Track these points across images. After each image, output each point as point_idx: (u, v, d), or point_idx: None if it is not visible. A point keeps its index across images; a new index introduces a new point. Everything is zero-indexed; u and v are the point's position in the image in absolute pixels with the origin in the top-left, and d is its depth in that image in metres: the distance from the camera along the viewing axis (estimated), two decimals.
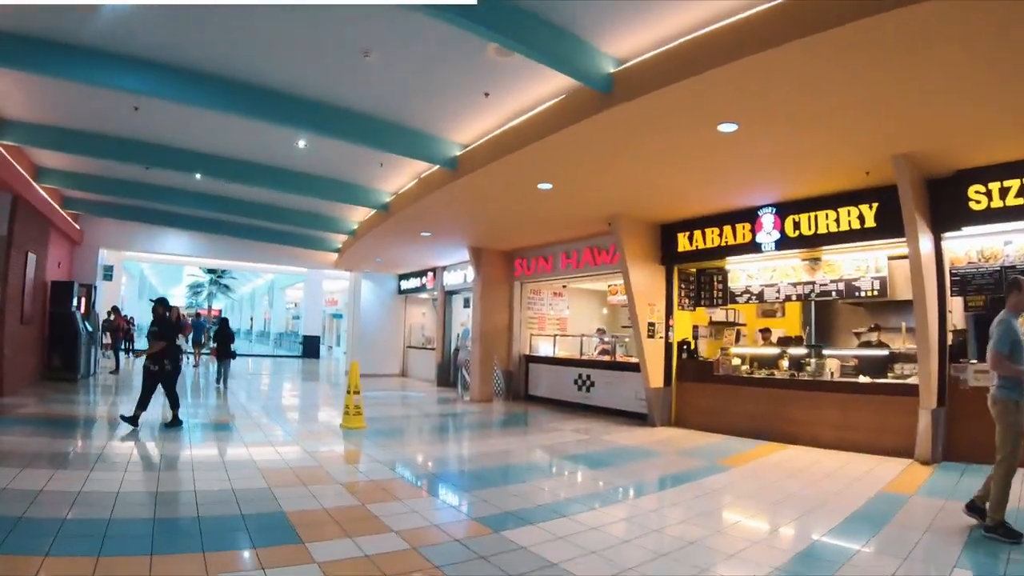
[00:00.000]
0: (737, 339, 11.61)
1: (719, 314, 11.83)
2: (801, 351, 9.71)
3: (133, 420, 8.00)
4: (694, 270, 11.21)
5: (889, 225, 7.82)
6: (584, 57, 5.80)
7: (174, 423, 8.37)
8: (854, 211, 8.36)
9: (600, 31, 5.62)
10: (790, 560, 4.15)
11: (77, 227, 15.65)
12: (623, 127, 6.56)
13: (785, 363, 9.76)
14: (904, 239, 7.42)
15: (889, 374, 8.48)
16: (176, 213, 15.54)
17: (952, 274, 7.70)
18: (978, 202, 7.24)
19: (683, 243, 10.70)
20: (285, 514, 4.80)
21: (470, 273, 15.05)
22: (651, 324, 10.63)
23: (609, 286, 14.92)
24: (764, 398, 9.33)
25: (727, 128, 6.40)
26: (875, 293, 8.91)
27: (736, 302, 10.75)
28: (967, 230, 7.56)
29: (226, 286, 51.92)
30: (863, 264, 9.04)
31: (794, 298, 9.96)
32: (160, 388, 8.34)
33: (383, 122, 7.95)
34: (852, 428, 8.15)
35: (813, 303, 11.14)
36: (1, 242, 10.02)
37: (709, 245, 10.27)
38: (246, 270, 35.63)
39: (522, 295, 14.90)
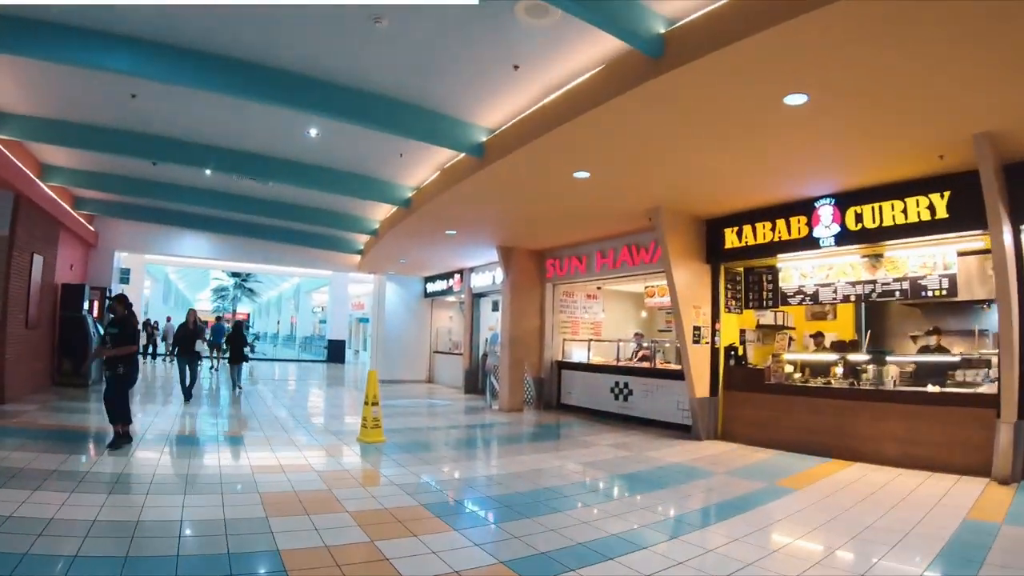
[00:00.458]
0: (788, 344, 10.63)
1: (767, 317, 10.85)
2: (861, 357, 8.77)
3: (123, 437, 7.25)
4: (741, 269, 10.29)
5: (963, 216, 7.05)
6: (630, 13, 4.95)
7: (118, 442, 7.10)
8: (923, 200, 7.48)
9: None
10: None
11: (91, 229, 15.26)
12: (672, 100, 5.68)
13: (839, 370, 8.92)
14: (977, 232, 6.83)
15: (948, 382, 7.68)
16: (192, 213, 15.13)
17: None
18: None
19: (731, 239, 9.78)
20: (279, 554, 4.04)
21: (499, 275, 14.40)
22: (696, 328, 9.72)
23: (646, 287, 13.99)
24: (822, 409, 8.45)
25: (795, 100, 5.53)
26: (943, 292, 8.01)
27: (788, 303, 9.86)
28: None
29: (251, 290, 51.84)
30: (929, 260, 8.16)
31: (852, 299, 9.09)
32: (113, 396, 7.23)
33: (401, 103, 7.19)
34: (918, 443, 7.33)
35: (864, 305, 10.29)
36: (2, 243, 9.50)
37: (760, 241, 9.37)
38: (270, 273, 35.37)
39: (554, 297, 14.12)
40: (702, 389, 9.64)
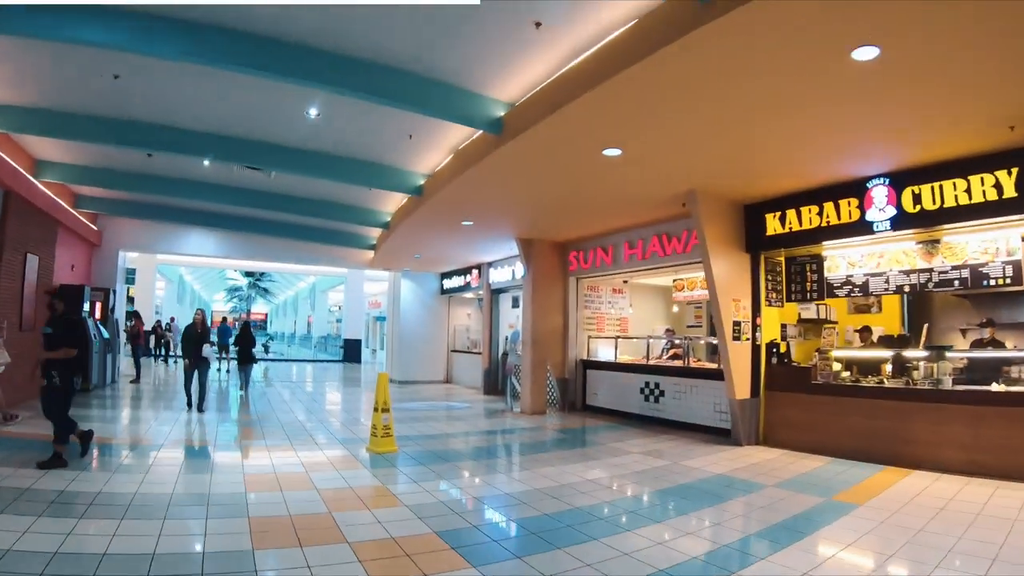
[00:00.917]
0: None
1: (809, 311, 9.97)
2: (918, 353, 7.94)
3: (84, 444, 6.61)
4: (781, 258, 9.46)
5: None
6: None
7: (52, 462, 6.09)
8: (988, 178, 6.72)
9: None
10: None
11: (94, 228, 14.72)
12: (718, 55, 4.82)
13: (888, 368, 8.19)
14: None
15: (1001, 379, 7.12)
16: (196, 209, 14.54)
17: None
18: None
19: (773, 225, 8.94)
20: None
21: (519, 269, 13.66)
22: (736, 323, 8.88)
23: (675, 281, 13.14)
24: (876, 412, 7.70)
25: (863, 55, 4.69)
26: (1007, 281, 7.26)
27: (835, 295, 9.08)
28: None
29: (265, 289, 51.57)
30: (991, 246, 7.43)
31: (907, 289, 8.31)
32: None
33: (406, 73, 6.42)
34: (984, 449, 6.69)
35: (906, 296, 9.59)
36: None
37: (806, 227, 8.56)
38: (284, 271, 34.95)
39: (578, 292, 13.32)
40: (743, 390, 8.80)
